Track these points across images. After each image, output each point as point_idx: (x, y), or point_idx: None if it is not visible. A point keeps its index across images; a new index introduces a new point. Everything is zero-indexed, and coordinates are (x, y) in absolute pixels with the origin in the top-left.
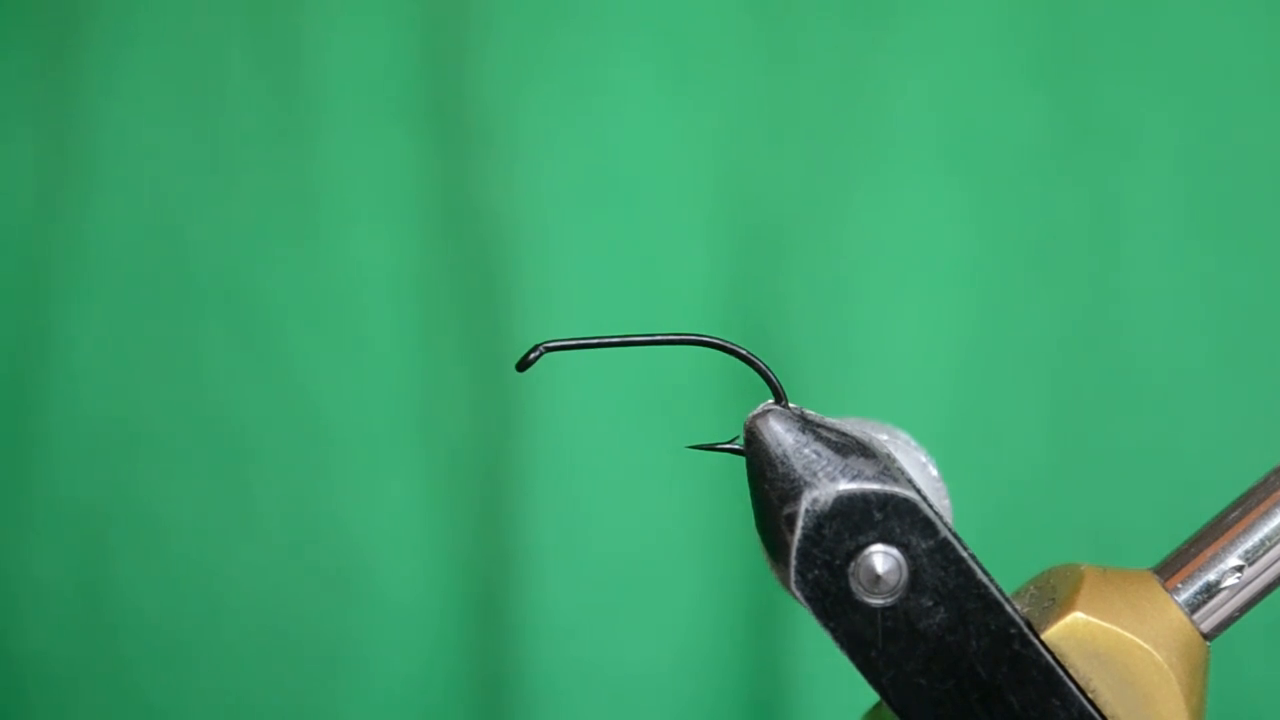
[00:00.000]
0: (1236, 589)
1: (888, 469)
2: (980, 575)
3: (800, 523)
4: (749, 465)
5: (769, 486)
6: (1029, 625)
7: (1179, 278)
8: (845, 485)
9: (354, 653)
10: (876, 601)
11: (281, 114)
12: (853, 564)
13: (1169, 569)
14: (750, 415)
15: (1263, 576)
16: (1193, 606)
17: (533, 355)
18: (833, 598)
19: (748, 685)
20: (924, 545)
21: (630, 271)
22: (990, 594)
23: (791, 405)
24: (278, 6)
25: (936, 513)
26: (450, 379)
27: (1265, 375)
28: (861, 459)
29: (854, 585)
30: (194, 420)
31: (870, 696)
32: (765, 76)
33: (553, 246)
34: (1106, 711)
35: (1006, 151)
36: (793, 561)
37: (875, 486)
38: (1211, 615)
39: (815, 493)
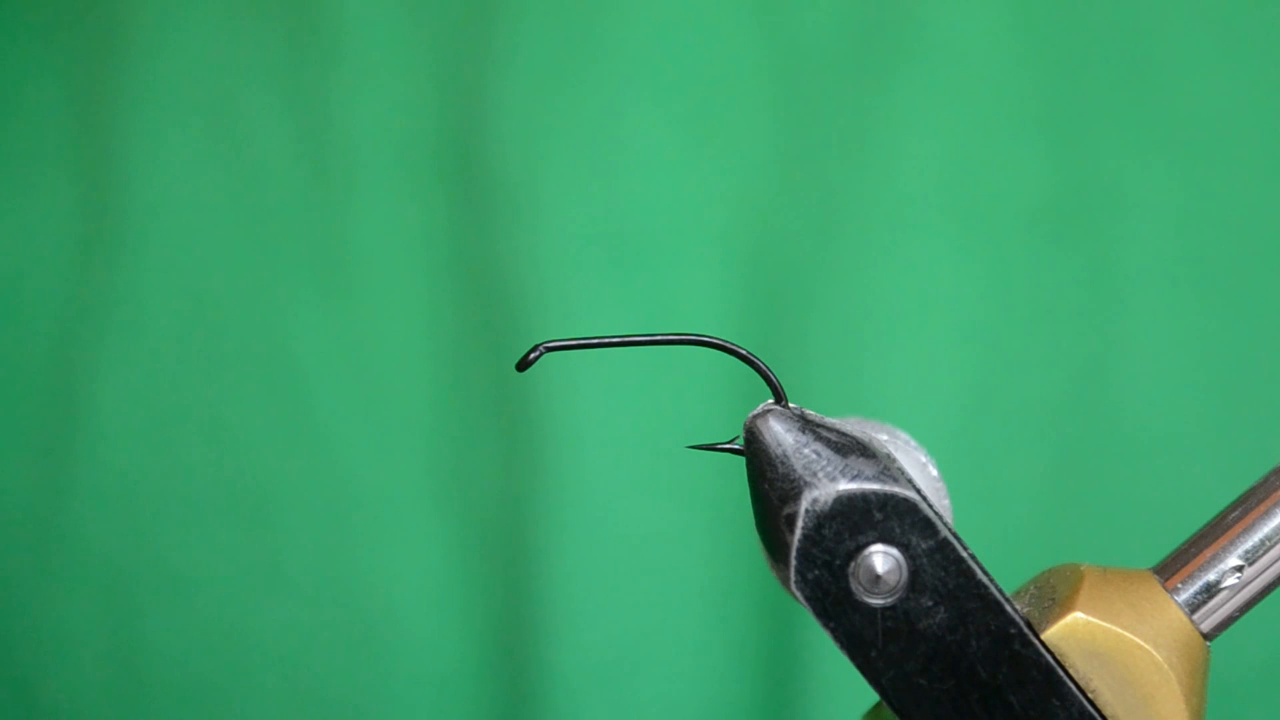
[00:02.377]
0: (1236, 589)
1: (888, 469)
2: (980, 575)
3: (800, 523)
4: (749, 465)
5: (769, 486)
6: (1029, 625)
7: (1176, 333)
8: (845, 485)
9: (379, 711)
10: (876, 601)
11: (312, 178)
12: (853, 564)
13: (1169, 569)
14: (750, 415)
15: (1263, 576)
16: (1193, 606)
17: (533, 355)
18: (833, 598)
19: None
20: (924, 545)
21: (648, 327)
22: (990, 594)
23: (791, 405)
24: (309, 74)
25: (936, 513)
26: (475, 439)
27: (1259, 429)
28: (861, 459)
29: (854, 585)
30: (222, 478)
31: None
32: (777, 135)
33: (574, 304)
34: (1106, 711)
35: (1009, 209)
36: (793, 561)
37: (875, 486)
38: (1211, 615)
39: (815, 493)
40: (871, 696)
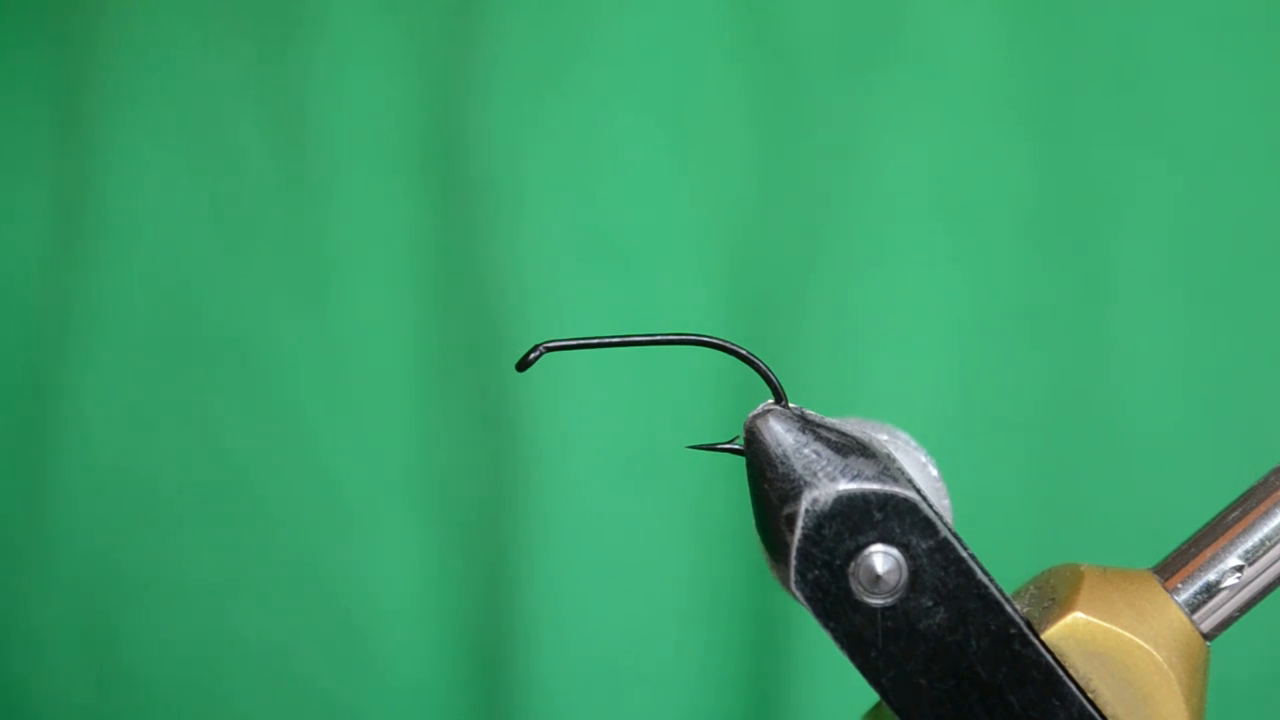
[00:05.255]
0: (1236, 589)
1: (888, 469)
2: (980, 575)
3: (800, 523)
4: (749, 465)
5: (769, 486)
6: (1029, 625)
7: (1167, 333)
8: (845, 485)
9: (360, 712)
10: (876, 601)
11: (289, 175)
12: (853, 564)
13: (1169, 569)
14: (750, 415)
15: (1263, 576)
16: (1193, 606)
17: (533, 355)
18: (833, 598)
19: None
20: (924, 545)
21: (633, 329)
22: (990, 594)
23: (791, 405)
24: (286, 72)
25: (936, 513)
26: (457, 438)
27: (1251, 430)
28: (861, 459)
29: (854, 585)
30: (202, 477)
31: (870, 697)
32: (762, 139)
33: (557, 305)
34: (1106, 711)
35: (998, 209)
36: (793, 561)
37: (875, 486)
38: (1211, 615)
39: (815, 493)
40: (858, 701)
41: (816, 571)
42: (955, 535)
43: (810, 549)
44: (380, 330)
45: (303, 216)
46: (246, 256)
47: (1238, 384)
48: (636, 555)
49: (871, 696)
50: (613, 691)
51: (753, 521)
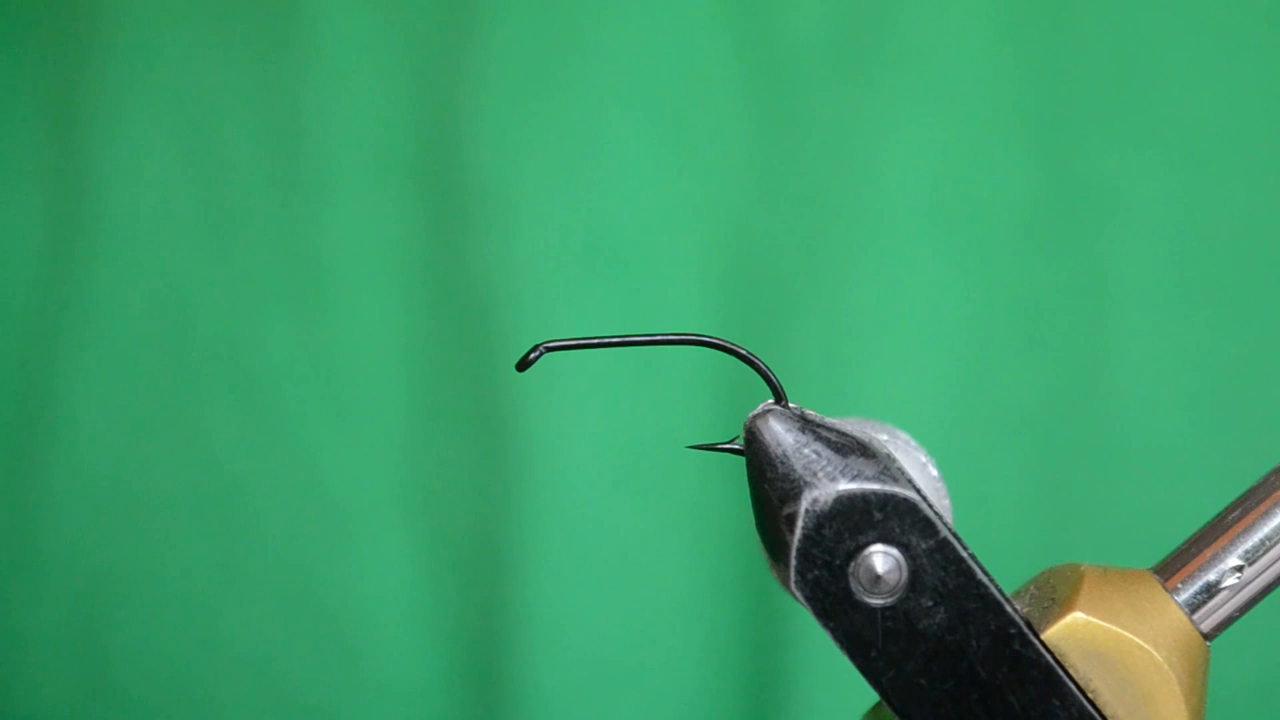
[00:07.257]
0: (1236, 589)
1: (888, 469)
2: (980, 575)
3: (800, 523)
4: (749, 465)
5: (769, 486)
6: (1029, 625)
7: (1163, 339)
8: (845, 485)
9: (351, 717)
10: (876, 601)
11: (284, 184)
12: (853, 564)
13: (1169, 569)
14: (750, 415)
15: (1263, 576)
16: (1193, 606)
17: (533, 355)
18: (833, 598)
19: None
20: (924, 545)
21: (626, 332)
22: (990, 594)
23: (791, 405)
24: (280, 79)
25: (936, 513)
26: (449, 443)
27: (1247, 433)
28: (861, 459)
29: (854, 585)
30: (194, 483)
31: (870, 697)
32: (758, 141)
33: (550, 313)
34: (1106, 711)
35: (995, 211)
36: (793, 561)
37: (875, 486)
38: (1211, 615)
39: (815, 493)
40: (857, 702)
41: (816, 571)
42: (955, 535)
43: (810, 549)
44: (372, 335)
45: (295, 223)
46: (239, 263)
47: (1236, 384)
48: (632, 558)
49: (871, 696)
50: (608, 696)
51: (751, 522)
